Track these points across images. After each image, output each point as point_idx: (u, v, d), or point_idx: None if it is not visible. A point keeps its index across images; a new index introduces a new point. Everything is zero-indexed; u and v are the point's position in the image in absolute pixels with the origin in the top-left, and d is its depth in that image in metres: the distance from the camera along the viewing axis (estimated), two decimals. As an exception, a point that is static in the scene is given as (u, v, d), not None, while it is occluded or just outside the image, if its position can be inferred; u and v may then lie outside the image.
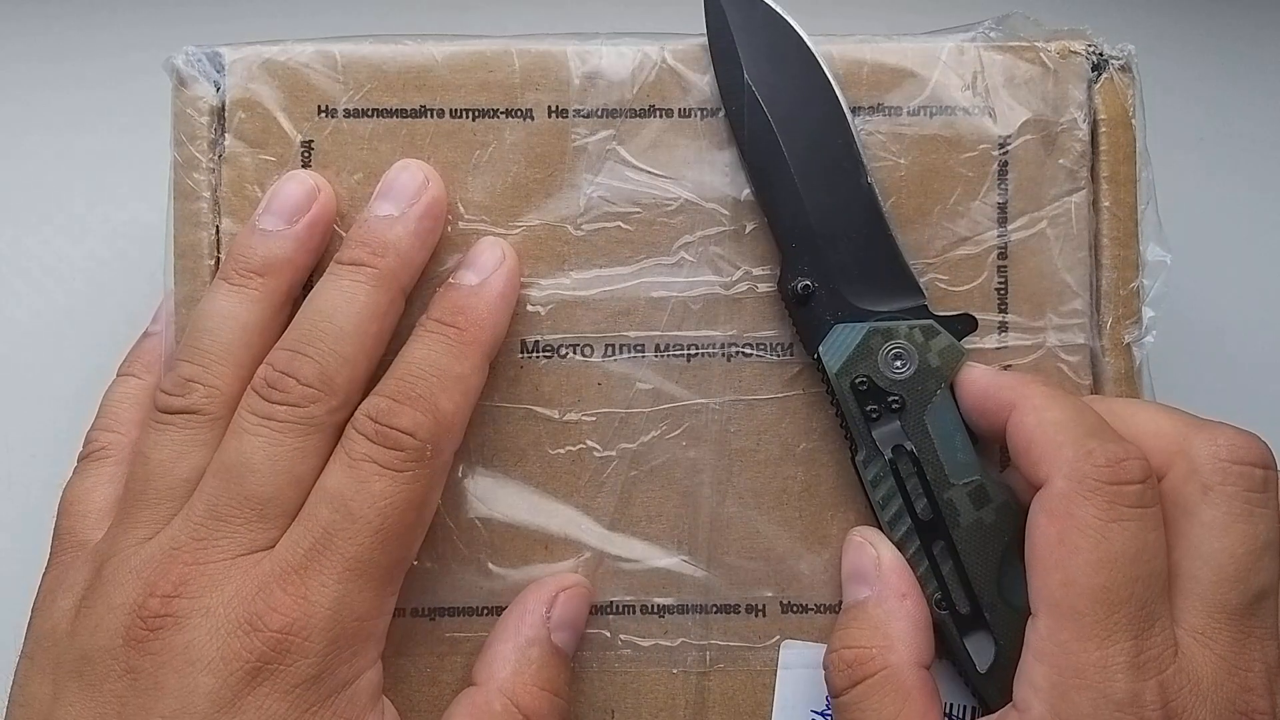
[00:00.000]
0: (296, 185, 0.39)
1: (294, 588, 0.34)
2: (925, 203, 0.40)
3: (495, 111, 0.40)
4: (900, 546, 0.39)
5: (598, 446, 0.40)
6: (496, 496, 0.40)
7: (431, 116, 0.40)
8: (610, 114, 0.40)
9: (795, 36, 0.40)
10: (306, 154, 0.40)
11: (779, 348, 0.40)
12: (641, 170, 0.40)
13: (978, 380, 0.38)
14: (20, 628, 0.37)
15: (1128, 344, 0.40)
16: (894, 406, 0.38)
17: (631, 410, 0.40)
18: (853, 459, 0.39)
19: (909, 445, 0.38)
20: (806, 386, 0.40)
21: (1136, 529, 0.33)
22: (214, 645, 0.34)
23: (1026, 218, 0.40)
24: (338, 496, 0.35)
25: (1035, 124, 0.40)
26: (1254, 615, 0.34)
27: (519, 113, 0.40)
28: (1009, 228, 0.40)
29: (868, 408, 0.38)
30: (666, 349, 0.40)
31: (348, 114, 0.40)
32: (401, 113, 0.40)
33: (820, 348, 0.39)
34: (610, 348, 0.40)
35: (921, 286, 0.40)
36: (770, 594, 0.40)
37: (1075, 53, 0.40)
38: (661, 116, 0.40)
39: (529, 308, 0.40)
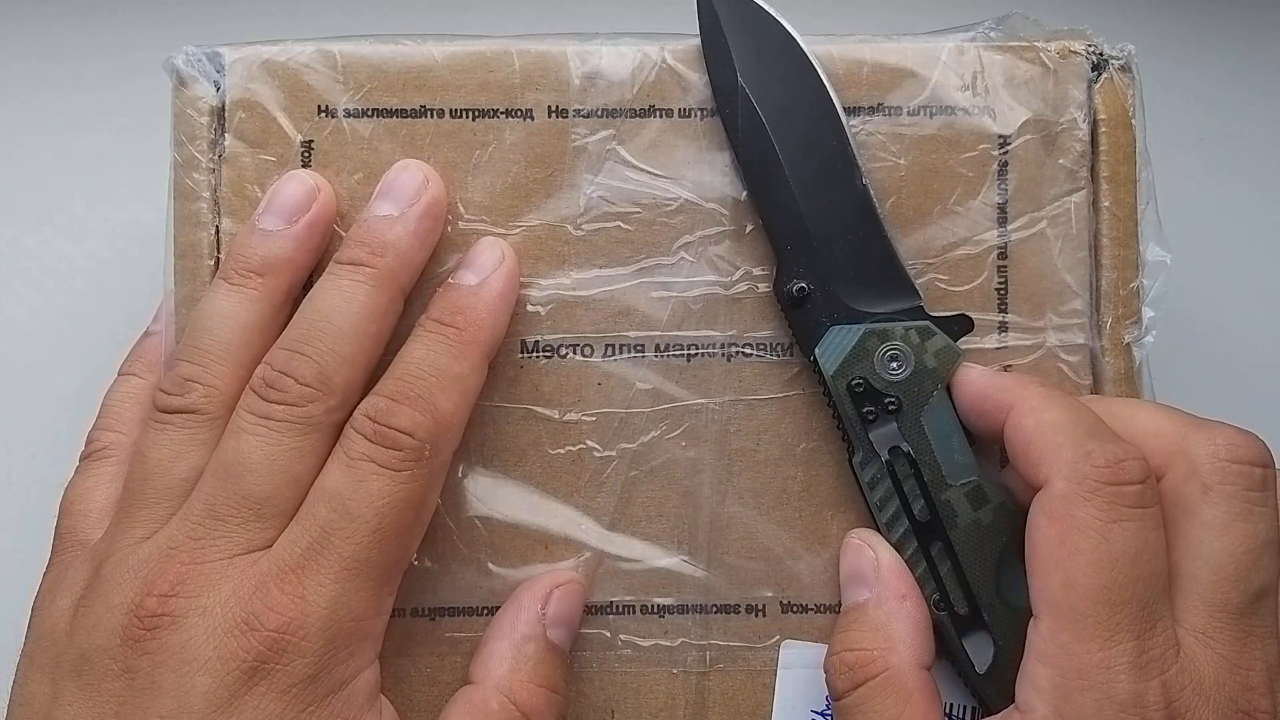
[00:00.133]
0: (296, 185, 0.39)
1: (291, 587, 0.34)
2: (925, 203, 0.40)
3: (495, 111, 0.40)
4: (898, 548, 0.39)
5: (598, 446, 0.40)
6: (496, 496, 0.40)
7: (431, 116, 0.40)
8: (610, 114, 0.40)
9: (788, 38, 0.40)
10: (306, 154, 0.40)
11: (779, 348, 0.40)
12: (641, 170, 0.40)
13: (975, 381, 0.38)
14: (20, 628, 0.37)
15: (1127, 344, 0.40)
16: (890, 408, 0.38)
17: (631, 410, 0.40)
18: (850, 460, 0.39)
19: (906, 447, 0.38)
20: (806, 386, 0.40)
21: (1137, 529, 0.33)
22: (211, 645, 0.34)
23: (1026, 218, 0.40)
24: (336, 496, 0.35)
25: (1035, 124, 0.40)
26: (1254, 614, 0.34)
27: (519, 113, 0.40)
28: (1009, 228, 0.40)
29: (864, 409, 0.38)
30: (666, 349, 0.40)
31: (348, 114, 0.40)
32: (401, 113, 0.40)
33: (816, 350, 0.39)
34: (610, 348, 0.40)
35: (918, 287, 0.40)
36: (770, 594, 0.40)
37: (1075, 53, 0.40)
38: (661, 116, 0.40)
39: (529, 308, 0.40)
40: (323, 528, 0.34)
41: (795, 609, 0.40)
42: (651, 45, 0.40)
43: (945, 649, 0.38)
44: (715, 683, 0.40)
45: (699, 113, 0.40)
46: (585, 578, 0.40)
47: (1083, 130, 0.40)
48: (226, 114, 0.40)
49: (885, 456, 0.38)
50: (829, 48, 0.40)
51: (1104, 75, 0.40)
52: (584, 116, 0.40)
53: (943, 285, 0.40)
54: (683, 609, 0.40)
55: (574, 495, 0.40)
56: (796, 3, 0.40)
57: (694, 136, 0.40)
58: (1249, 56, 0.51)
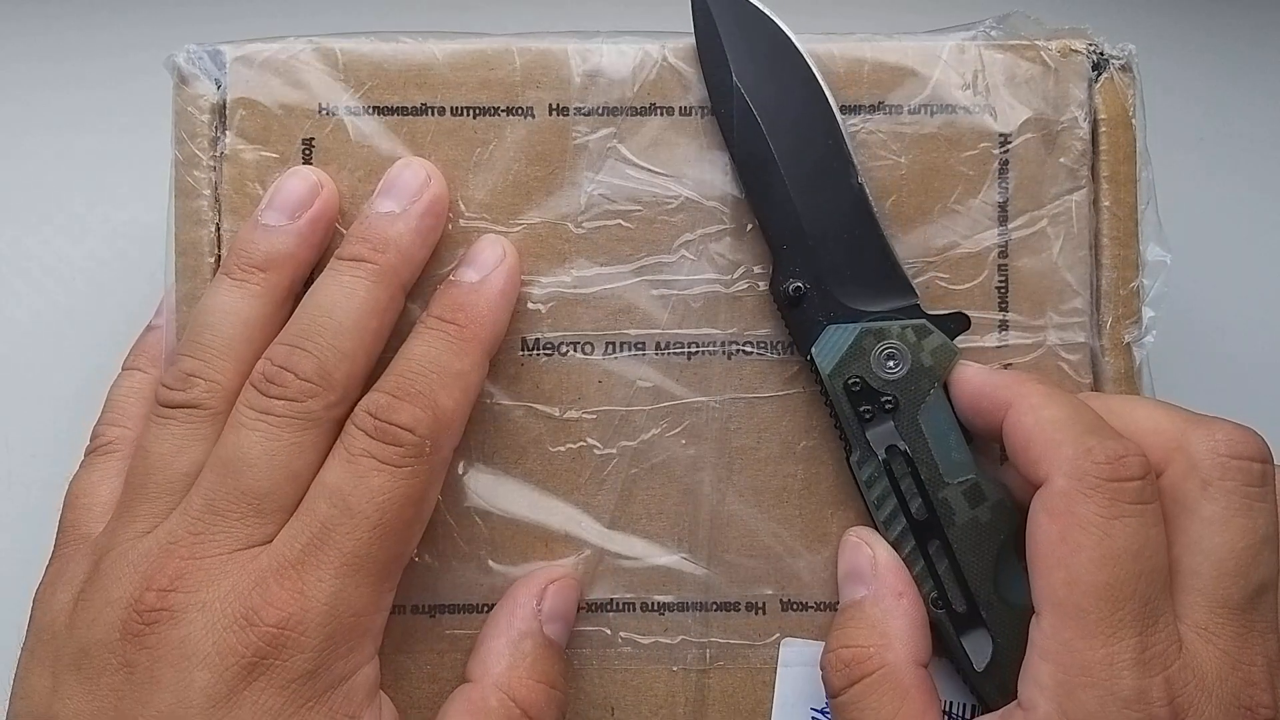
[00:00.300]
0: (299, 181, 0.39)
1: (290, 583, 0.34)
2: (926, 201, 0.40)
3: (496, 109, 0.40)
4: (896, 546, 0.39)
5: (598, 444, 0.40)
6: (497, 493, 0.40)
7: (432, 114, 0.40)
8: (611, 112, 0.40)
9: (783, 37, 0.40)
10: (307, 151, 0.40)
11: (779, 346, 0.40)
12: (642, 168, 0.40)
13: (972, 379, 0.38)
14: (21, 627, 0.37)
15: (1127, 344, 0.40)
16: (887, 407, 0.38)
17: (632, 408, 0.40)
18: (848, 459, 0.39)
19: (903, 445, 0.38)
20: (806, 385, 0.40)
21: (1138, 525, 0.33)
22: (210, 640, 0.34)
23: (1027, 216, 0.40)
24: (336, 491, 0.35)
25: (1036, 123, 0.40)
26: (1255, 609, 0.34)
27: (520, 111, 0.40)
28: (1009, 226, 0.40)
29: (861, 408, 0.38)
30: (667, 347, 0.40)
31: (348, 112, 0.40)
32: (402, 111, 0.40)
33: (813, 349, 0.39)
34: (611, 345, 0.40)
35: (917, 286, 0.40)
36: (770, 592, 0.40)
37: (1076, 51, 0.40)
38: (662, 115, 0.40)
39: (529, 305, 0.40)
40: (323, 523, 0.34)
41: (795, 607, 0.40)
42: (652, 43, 0.40)
43: (944, 647, 0.38)
44: (715, 680, 0.40)
45: (699, 111, 0.40)
46: (585, 575, 0.40)
47: (1083, 129, 0.40)
48: (227, 112, 0.40)
49: (882, 455, 0.38)
50: (829, 46, 0.40)
51: (1104, 75, 0.40)
52: (585, 114, 0.40)
53: (943, 284, 0.40)
54: (683, 606, 0.40)
55: (574, 493, 0.40)
56: (797, 2, 0.40)
57: (694, 135, 0.40)
58: (1249, 56, 0.51)
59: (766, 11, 0.40)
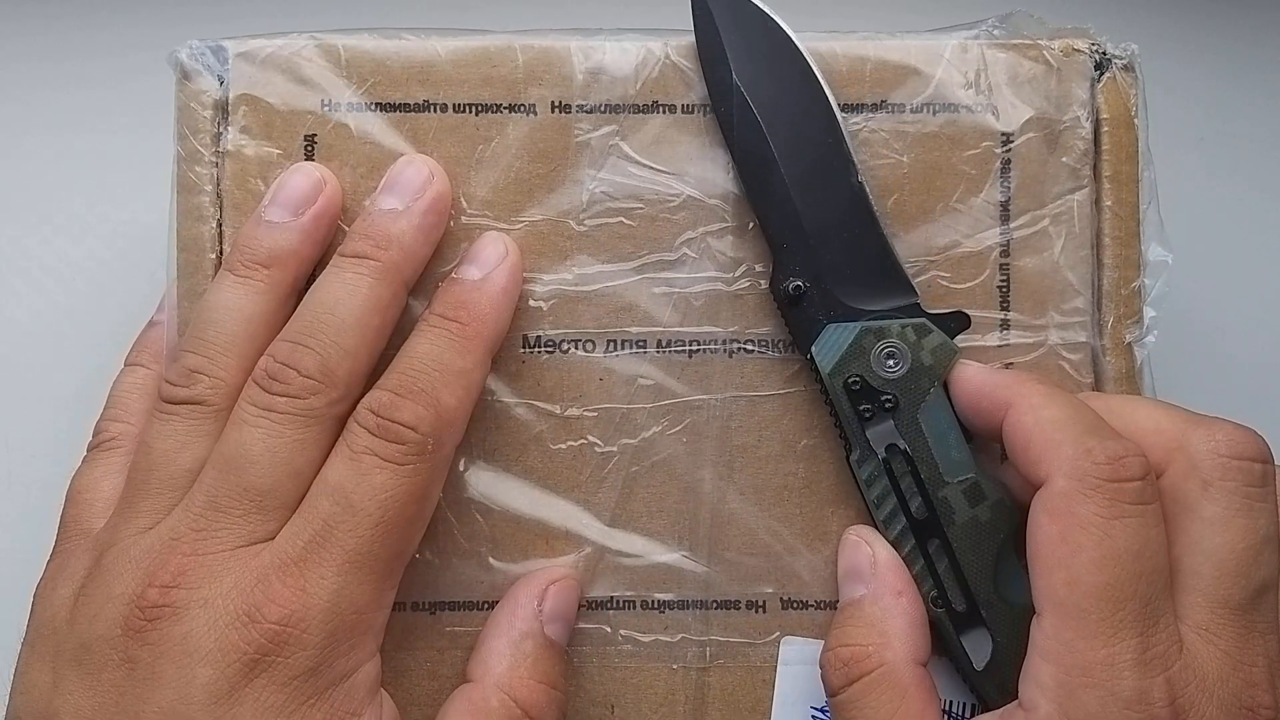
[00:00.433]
0: (303, 177, 0.39)
1: (293, 579, 0.34)
2: (928, 200, 0.40)
3: (498, 106, 0.40)
4: (895, 545, 0.39)
5: (599, 442, 0.40)
6: (498, 491, 0.40)
7: (435, 111, 0.40)
8: (613, 110, 0.40)
9: (783, 36, 0.40)
10: (309, 148, 0.40)
11: (780, 344, 0.40)
12: (644, 166, 0.40)
13: (972, 379, 0.38)
14: (20, 627, 0.37)
15: (1129, 343, 0.40)
16: (887, 406, 0.38)
17: (633, 406, 0.40)
18: (847, 458, 0.39)
19: (903, 444, 0.38)
20: (807, 383, 0.40)
21: (1138, 525, 0.33)
22: (212, 636, 0.33)
23: (1029, 215, 0.40)
24: (339, 489, 0.35)
25: (1038, 122, 0.40)
26: (1256, 610, 0.34)
27: (522, 108, 0.40)
28: (1011, 225, 0.40)
29: (861, 407, 0.38)
30: (668, 345, 0.40)
31: (351, 108, 0.40)
32: (405, 107, 0.40)
33: (813, 348, 0.39)
34: (612, 343, 0.40)
35: (918, 285, 0.40)
36: (770, 590, 0.40)
37: (1079, 51, 0.40)
38: (664, 113, 0.40)
39: (531, 303, 0.40)
40: (325, 520, 0.34)
41: (795, 605, 0.40)
42: (655, 41, 0.40)
43: (943, 646, 0.38)
44: (715, 678, 0.40)
45: (702, 109, 0.40)
46: (586, 573, 0.40)
47: (1085, 129, 0.40)
48: (230, 108, 0.40)
49: (882, 454, 0.38)
50: (832, 45, 0.40)
51: (1107, 74, 0.40)
52: (587, 112, 0.40)
53: (945, 283, 0.40)
54: (683, 604, 0.40)
55: (575, 490, 0.40)
56: (799, 1, 0.40)
57: (697, 133, 0.40)
58: (1249, 56, 0.51)
59: (766, 10, 0.40)
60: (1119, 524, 0.33)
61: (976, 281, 0.40)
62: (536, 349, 0.40)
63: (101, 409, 0.41)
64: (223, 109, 0.40)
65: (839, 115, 0.40)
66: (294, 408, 0.35)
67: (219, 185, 0.40)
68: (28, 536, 0.40)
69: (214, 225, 0.40)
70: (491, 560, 0.40)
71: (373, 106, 0.40)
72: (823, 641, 0.38)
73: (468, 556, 0.40)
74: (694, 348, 0.40)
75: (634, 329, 0.40)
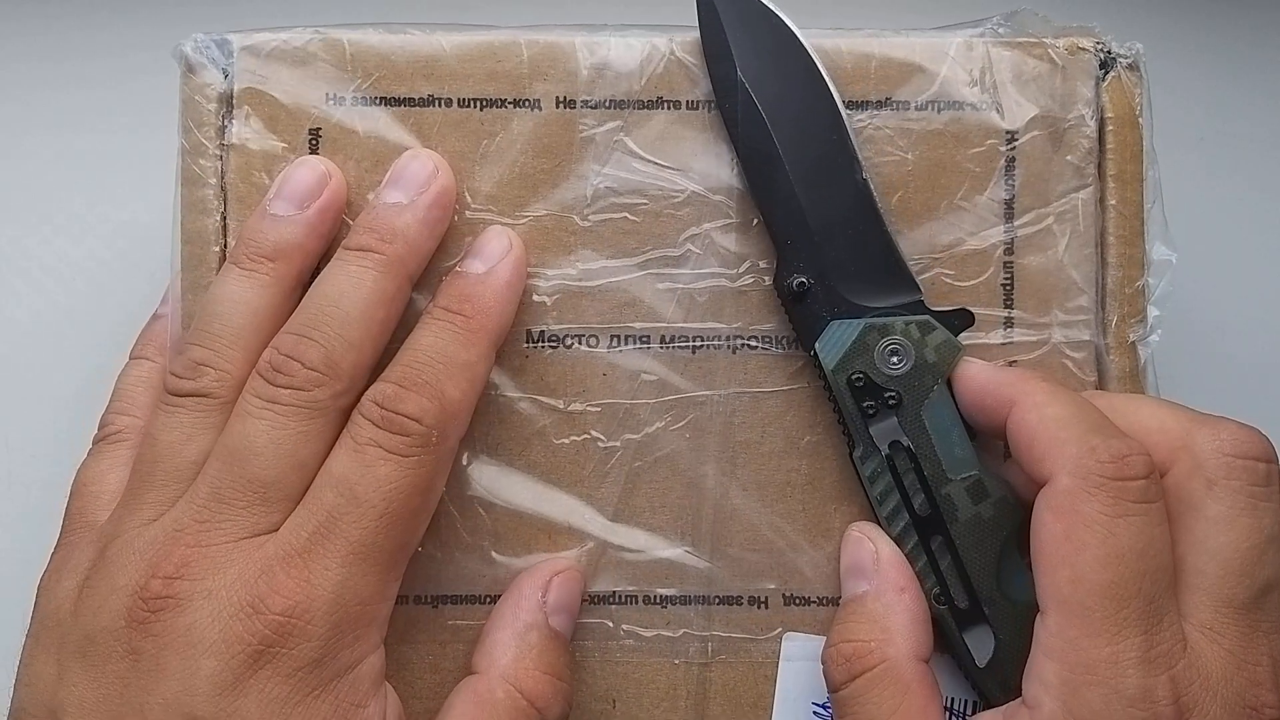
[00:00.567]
0: (308, 171, 0.39)
1: (297, 571, 0.34)
2: (932, 198, 0.40)
3: (503, 101, 0.40)
4: (898, 542, 0.39)
5: (602, 437, 0.40)
6: (500, 485, 0.40)
7: (439, 106, 0.40)
8: (618, 105, 0.40)
9: (788, 32, 0.40)
10: (314, 141, 0.40)
11: (784, 340, 0.40)
12: (648, 162, 0.40)
13: (976, 376, 0.38)
14: (21, 627, 0.37)
15: (1132, 342, 0.40)
16: (891, 402, 0.38)
17: (636, 401, 0.40)
18: (850, 455, 0.39)
19: (906, 441, 0.38)
20: (811, 380, 0.40)
21: (1143, 524, 0.34)
22: (216, 627, 0.33)
23: (1033, 214, 0.40)
24: (343, 480, 0.35)
25: (1043, 120, 0.40)
26: (1260, 609, 0.34)
27: (527, 103, 0.40)
28: (1015, 223, 0.40)
29: (864, 404, 0.38)
30: (672, 340, 0.40)
31: (355, 102, 0.40)
32: (409, 101, 0.40)
33: (816, 344, 0.39)
34: (615, 338, 0.40)
35: (922, 282, 0.40)
36: (773, 586, 0.40)
37: (1083, 49, 0.40)
38: (669, 108, 0.40)
39: (535, 298, 0.40)
40: (329, 512, 0.34)
41: (798, 601, 0.40)
42: (660, 37, 0.40)
43: (946, 643, 0.38)
44: (717, 674, 0.40)
45: (706, 105, 0.40)
46: (588, 567, 0.40)
47: (1090, 127, 0.40)
48: (234, 101, 0.40)
49: (885, 451, 0.38)
50: (837, 42, 0.40)
51: (1111, 73, 0.40)
52: (591, 107, 0.40)
53: (948, 280, 0.40)
54: (685, 600, 0.40)
55: (578, 485, 0.40)
56: (806, -3, 0.40)
57: (701, 129, 0.40)
58: (1249, 56, 0.51)
59: (771, 6, 0.40)
60: (1123, 522, 0.33)
61: (980, 279, 0.40)
62: (540, 344, 0.40)
63: (103, 407, 0.41)
64: (227, 102, 0.40)
65: (844, 112, 0.40)
66: (298, 400, 0.35)
67: (223, 178, 0.40)
68: (28, 536, 0.41)
69: (218, 218, 0.40)
70: (494, 554, 0.40)
71: (377, 101, 0.40)
72: (824, 638, 0.38)
73: (470, 550, 0.40)
74: (697, 344, 0.40)
75: (638, 324, 0.40)
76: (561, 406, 0.40)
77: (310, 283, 0.38)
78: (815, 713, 0.40)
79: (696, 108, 0.40)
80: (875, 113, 0.40)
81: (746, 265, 0.40)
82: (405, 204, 0.38)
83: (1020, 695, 0.35)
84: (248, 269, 0.37)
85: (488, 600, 0.40)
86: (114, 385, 0.41)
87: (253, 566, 0.34)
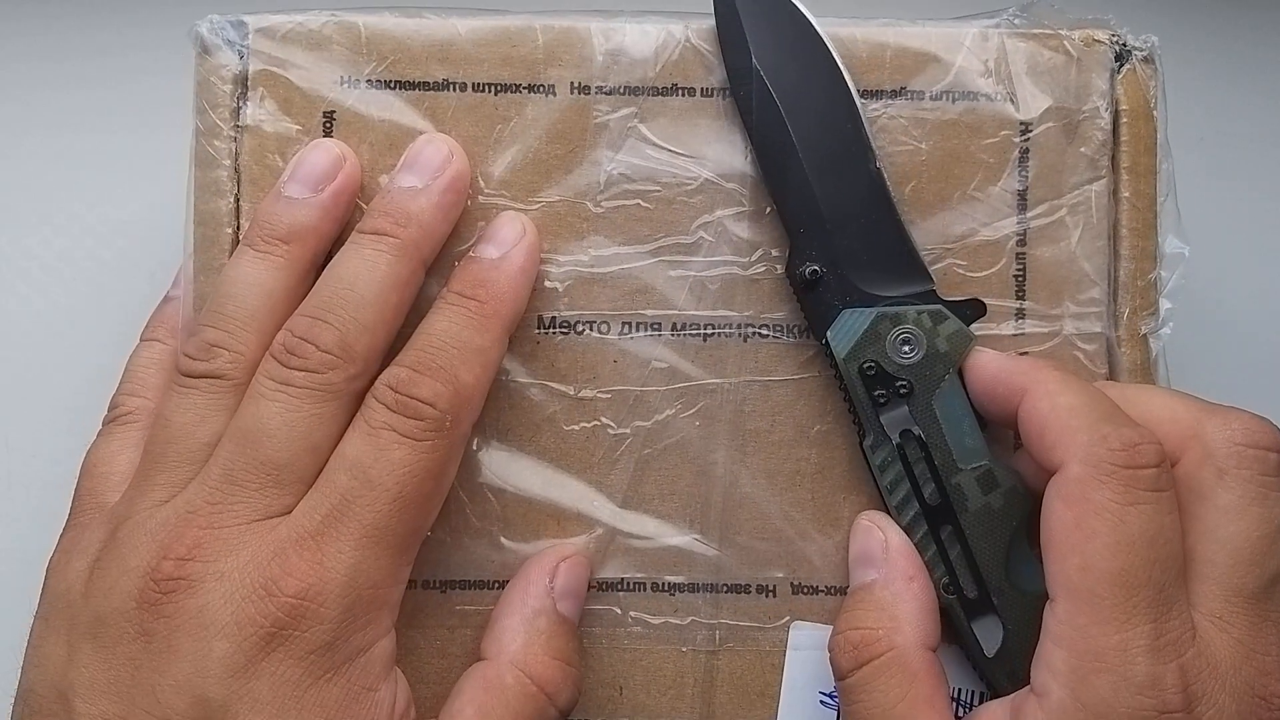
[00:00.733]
0: (323, 154, 0.39)
1: (310, 553, 0.34)
2: (945, 188, 0.40)
3: (518, 86, 0.40)
4: (908, 531, 0.39)
5: (612, 423, 0.40)
6: (510, 470, 0.40)
7: (454, 90, 0.40)
8: (633, 92, 0.40)
9: (804, 21, 0.40)
10: (328, 124, 0.40)
11: (795, 329, 0.40)
12: (662, 149, 0.40)
13: (988, 365, 0.38)
14: (20, 626, 0.37)
15: (1144, 335, 0.40)
16: (902, 391, 0.38)
17: (646, 388, 0.40)
18: (861, 443, 0.39)
19: (917, 430, 0.38)
20: (822, 369, 0.40)
21: (1153, 512, 0.34)
22: (228, 610, 0.33)
23: (1046, 205, 0.40)
24: (357, 464, 0.35)
25: (1057, 112, 0.40)
26: (1270, 598, 0.34)
27: (541, 88, 0.40)
28: (1028, 215, 0.40)
29: (875, 393, 0.39)
30: (683, 328, 0.40)
31: (370, 85, 0.40)
32: (424, 85, 0.40)
33: (828, 333, 0.39)
34: (627, 325, 0.40)
35: (934, 272, 0.40)
36: (781, 575, 0.40)
37: (1099, 42, 0.40)
38: (684, 95, 0.40)
39: (547, 284, 0.40)
40: (343, 495, 0.34)
41: (806, 590, 0.40)
42: (675, 24, 0.40)
43: (954, 632, 0.38)
44: (724, 662, 0.40)
45: (721, 92, 0.40)
46: (597, 554, 0.40)
47: (1104, 120, 0.40)
48: (249, 83, 0.40)
49: (896, 440, 0.39)
50: (852, 30, 0.40)
51: (1127, 66, 0.40)
52: (606, 94, 0.40)
53: (961, 271, 0.40)
54: (693, 587, 0.40)
55: (587, 471, 0.40)
56: (820, -13, 0.40)
57: (715, 116, 0.40)
58: (1249, 56, 0.51)
59: (788, -6, 0.40)
60: (1134, 510, 0.33)
61: (993, 270, 0.40)
62: (551, 330, 0.40)
63: (105, 406, 0.41)
64: (242, 84, 0.40)
65: (858, 101, 0.40)
66: (312, 382, 0.35)
67: (237, 160, 0.40)
68: (28, 536, 0.40)
69: (231, 200, 0.40)
70: (503, 540, 0.40)
71: (392, 84, 0.40)
72: (832, 627, 0.38)
73: (479, 535, 0.40)
74: (709, 331, 0.40)
75: (649, 311, 0.40)
76: (572, 393, 0.40)
77: (324, 266, 0.38)
78: (822, 702, 0.40)
79: (711, 95, 0.40)
80: (890, 102, 0.40)
81: (759, 253, 0.40)
82: (420, 188, 0.38)
83: (1028, 686, 0.35)
84: (262, 251, 0.37)
85: (496, 586, 0.40)
86: (124, 366, 0.41)
87: (265, 549, 0.34)
